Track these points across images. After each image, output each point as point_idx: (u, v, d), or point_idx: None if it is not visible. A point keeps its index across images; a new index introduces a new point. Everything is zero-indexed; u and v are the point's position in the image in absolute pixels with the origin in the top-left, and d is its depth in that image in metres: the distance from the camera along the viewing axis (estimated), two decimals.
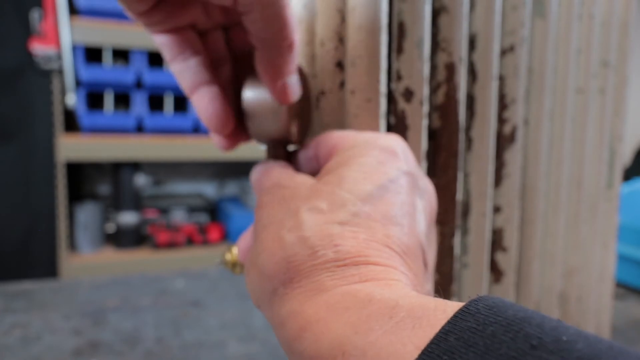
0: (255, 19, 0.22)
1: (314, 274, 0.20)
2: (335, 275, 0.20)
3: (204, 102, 0.27)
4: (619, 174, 0.52)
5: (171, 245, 1.58)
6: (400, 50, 0.32)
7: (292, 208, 0.23)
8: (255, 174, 0.28)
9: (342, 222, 0.21)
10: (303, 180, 0.25)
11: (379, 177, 0.23)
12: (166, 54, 0.27)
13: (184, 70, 0.27)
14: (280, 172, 0.26)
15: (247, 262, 0.25)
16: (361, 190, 0.22)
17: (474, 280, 0.39)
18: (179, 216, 1.69)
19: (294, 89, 0.26)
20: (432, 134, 0.36)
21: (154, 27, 0.25)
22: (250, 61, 0.27)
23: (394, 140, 0.26)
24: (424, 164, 0.34)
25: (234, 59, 0.30)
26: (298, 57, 0.25)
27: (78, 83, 1.48)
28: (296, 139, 0.30)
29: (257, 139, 0.30)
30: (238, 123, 0.29)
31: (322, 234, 0.21)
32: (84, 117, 1.45)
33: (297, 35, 0.24)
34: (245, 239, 0.27)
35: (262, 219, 0.24)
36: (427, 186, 0.27)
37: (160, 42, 0.27)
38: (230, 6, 0.22)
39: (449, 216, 0.36)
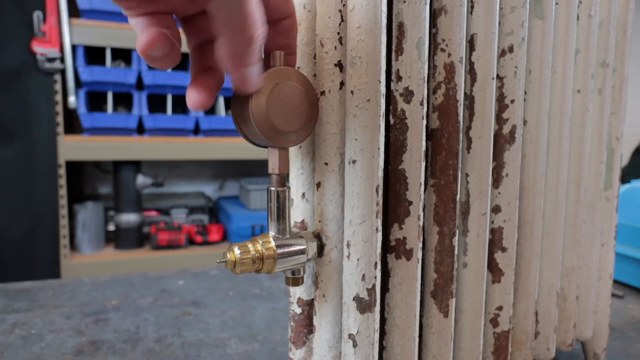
0: (217, 6, 0.24)
1: None
2: None
3: (140, 29, 0.26)
4: (617, 174, 0.52)
5: (171, 245, 1.59)
6: (399, 50, 0.33)
7: None
8: None
9: None
10: None
11: None
12: (137, 30, 0.26)
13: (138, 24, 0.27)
14: None
15: None
16: None
17: (474, 280, 0.40)
18: (179, 216, 1.70)
19: (253, 80, 0.27)
20: (432, 134, 0.36)
21: (131, 11, 0.26)
22: None
23: None
24: (424, 164, 0.34)
25: None
26: (259, 52, 0.26)
27: (79, 83, 1.48)
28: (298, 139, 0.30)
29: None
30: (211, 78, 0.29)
31: None
32: (85, 117, 1.46)
33: (260, 32, 0.25)
34: None
35: None
36: None
37: (135, 22, 0.26)
38: None
39: (449, 216, 0.37)
